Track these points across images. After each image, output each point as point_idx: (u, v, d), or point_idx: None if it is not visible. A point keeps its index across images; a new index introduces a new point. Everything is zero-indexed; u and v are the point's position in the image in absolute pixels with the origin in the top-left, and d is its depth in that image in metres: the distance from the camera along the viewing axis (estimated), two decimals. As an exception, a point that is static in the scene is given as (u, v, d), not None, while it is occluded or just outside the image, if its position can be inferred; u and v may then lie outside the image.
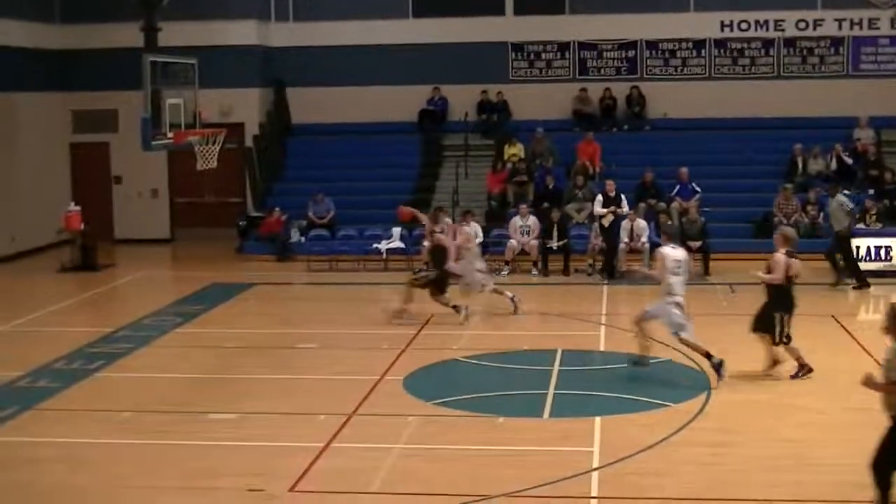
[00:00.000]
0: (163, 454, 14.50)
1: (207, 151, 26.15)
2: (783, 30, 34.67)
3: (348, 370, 18.77)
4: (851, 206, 26.37)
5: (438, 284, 22.45)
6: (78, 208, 30.48)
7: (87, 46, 34.15)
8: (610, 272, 27.42)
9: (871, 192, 30.48)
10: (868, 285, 25.67)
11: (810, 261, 26.93)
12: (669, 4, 34.99)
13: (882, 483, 11.43)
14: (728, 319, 22.50)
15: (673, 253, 18.08)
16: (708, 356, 17.71)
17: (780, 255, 17.82)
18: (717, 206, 30.42)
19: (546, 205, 29.87)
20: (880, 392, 11.29)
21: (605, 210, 27.95)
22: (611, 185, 28.54)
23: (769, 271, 17.90)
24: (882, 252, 26.40)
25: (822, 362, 18.89)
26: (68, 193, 33.83)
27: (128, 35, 28.52)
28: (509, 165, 32.60)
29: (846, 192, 28.05)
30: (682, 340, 17.96)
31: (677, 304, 17.86)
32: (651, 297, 25.41)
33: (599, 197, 28.55)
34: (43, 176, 33.71)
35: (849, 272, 26.02)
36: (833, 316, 22.45)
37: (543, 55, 35.67)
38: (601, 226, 27.94)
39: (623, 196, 28.56)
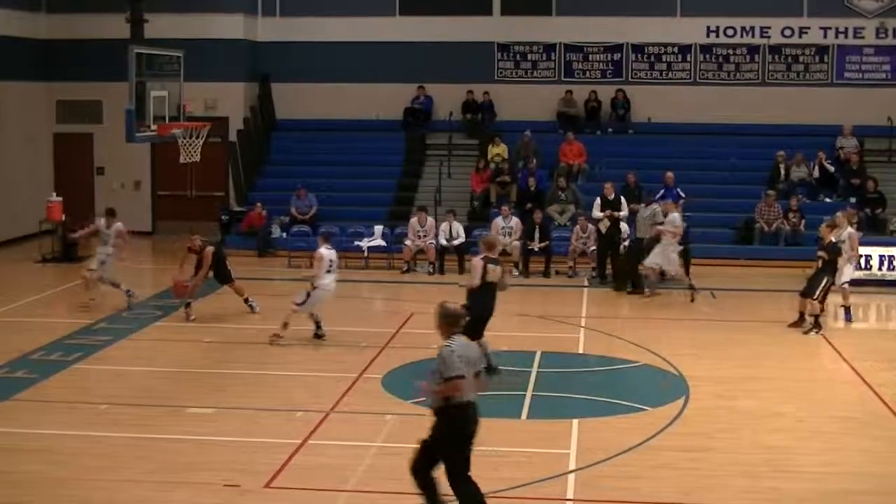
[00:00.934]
0: (139, 447, 14.47)
1: (191, 145, 26.09)
2: (769, 36, 34.76)
3: (327, 367, 18.78)
4: (662, 219, 26.01)
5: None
6: (60, 199, 30.36)
7: (73, 36, 34.09)
8: (607, 275, 27.33)
9: (853, 200, 30.57)
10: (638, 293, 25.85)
11: (790, 268, 27.12)
12: (656, 8, 35.04)
13: (424, 486, 11.63)
14: (708, 324, 22.60)
15: None
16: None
17: (477, 260, 17.89)
18: (698, 210, 30.43)
19: (529, 206, 29.84)
20: (433, 395, 11.37)
21: (602, 214, 27.28)
22: (609, 189, 27.56)
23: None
24: (862, 261, 26.41)
25: (802, 370, 18.98)
26: (51, 184, 33.73)
27: (114, 26, 28.44)
28: (493, 165, 32.59)
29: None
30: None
31: None
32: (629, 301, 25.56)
33: (598, 200, 27.70)
34: (26, 165, 33.64)
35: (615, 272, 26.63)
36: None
37: (529, 56, 35.70)
38: (598, 230, 27.46)
39: (623, 199, 27.73)
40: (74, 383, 17.73)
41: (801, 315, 22.08)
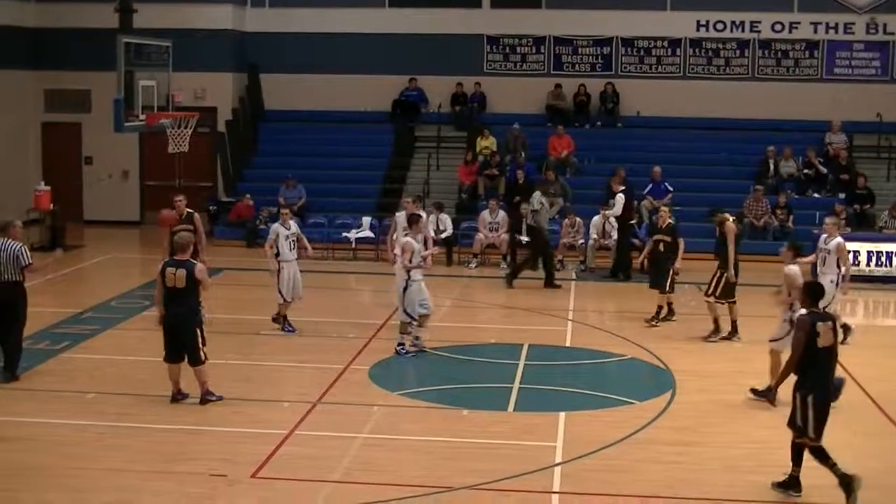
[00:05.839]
0: (125, 436, 14.47)
1: (179, 135, 26.01)
2: (759, 31, 34.79)
3: (314, 358, 18.77)
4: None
5: None
6: (48, 188, 30.34)
7: (62, 25, 34.01)
8: (625, 273, 27.18)
9: (842, 196, 30.61)
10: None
11: (778, 263, 27.08)
12: (646, 2, 35.05)
13: None
14: (695, 318, 22.59)
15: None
16: None
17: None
18: (686, 205, 30.44)
19: (517, 199, 29.80)
20: None
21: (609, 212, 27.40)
22: (616, 187, 27.30)
23: None
24: (851, 257, 26.42)
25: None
26: (38, 173, 33.67)
27: (103, 15, 28.37)
28: (481, 158, 32.59)
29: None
30: None
31: None
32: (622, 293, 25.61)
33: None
34: (13, 154, 33.56)
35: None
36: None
37: (519, 49, 35.69)
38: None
39: (619, 194, 27.20)
40: (61, 372, 17.71)
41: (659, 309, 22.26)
